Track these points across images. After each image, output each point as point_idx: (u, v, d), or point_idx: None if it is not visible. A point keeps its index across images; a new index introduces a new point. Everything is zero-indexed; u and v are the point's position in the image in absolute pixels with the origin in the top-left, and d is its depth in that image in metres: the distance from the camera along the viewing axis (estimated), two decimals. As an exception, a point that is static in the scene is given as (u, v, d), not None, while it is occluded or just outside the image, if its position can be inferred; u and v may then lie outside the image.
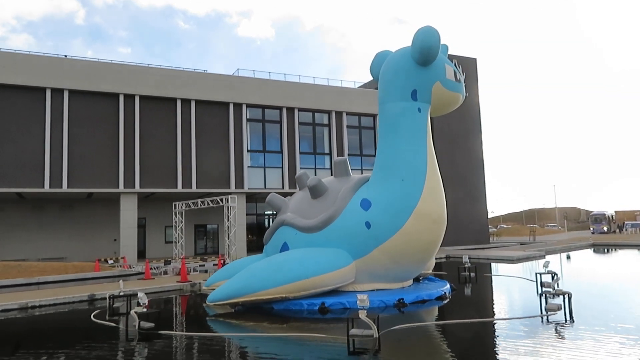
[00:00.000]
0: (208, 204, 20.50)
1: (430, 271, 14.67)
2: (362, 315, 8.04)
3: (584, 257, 26.23)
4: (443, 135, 36.41)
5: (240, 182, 30.35)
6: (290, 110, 32.57)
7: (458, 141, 36.88)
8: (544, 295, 10.94)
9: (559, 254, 27.66)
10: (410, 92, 12.18)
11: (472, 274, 17.06)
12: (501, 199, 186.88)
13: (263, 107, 32.01)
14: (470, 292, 14.49)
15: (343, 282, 11.62)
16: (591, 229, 55.08)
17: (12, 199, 29.56)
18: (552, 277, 13.61)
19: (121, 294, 12.77)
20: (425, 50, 11.78)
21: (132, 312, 9.80)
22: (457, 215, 35.34)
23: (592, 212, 63.37)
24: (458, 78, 12.64)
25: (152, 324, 9.64)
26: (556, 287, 10.56)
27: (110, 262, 23.52)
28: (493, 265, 22.38)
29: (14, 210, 30.22)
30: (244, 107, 31.18)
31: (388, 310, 10.98)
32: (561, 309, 9.92)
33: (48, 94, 26.48)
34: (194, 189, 28.94)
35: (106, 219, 31.52)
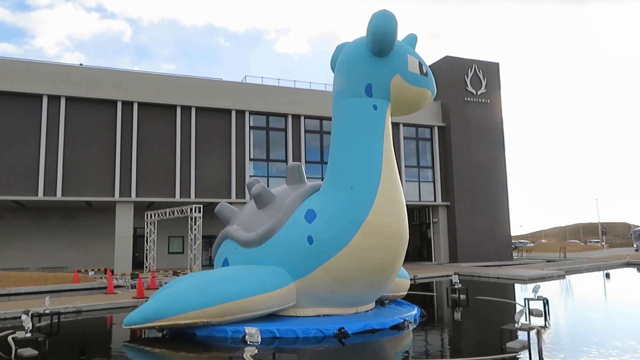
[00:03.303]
0: (176, 213, 19.30)
1: (401, 293, 12.78)
2: (247, 355, 6.44)
3: (611, 278, 23.44)
4: (460, 144, 34.20)
5: (241, 192, 29.10)
6: (296, 117, 31.22)
7: (477, 151, 34.51)
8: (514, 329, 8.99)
9: (583, 274, 24.99)
10: (364, 87, 10.53)
11: (463, 296, 15.04)
12: (543, 212, 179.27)
13: (267, 115, 30.80)
14: (441, 320, 12.58)
15: (279, 306, 10.00)
16: (634, 245, 51.00)
17: (14, 207, 29.36)
18: (544, 304, 11.64)
19: (46, 311, 11.62)
20: (379, 37, 10.13)
21: (9, 338, 8.51)
22: (475, 230, 33.05)
23: (637, 227, 58.98)
24: (424, 71, 10.89)
25: (36, 352, 8.34)
26: (524, 320, 8.57)
27: (91, 273, 22.60)
28: (497, 285, 20.13)
29: (16, 219, 30.01)
30: (247, 114, 30.06)
31: (326, 341, 9.30)
32: (526, 348, 7.97)
33: (45, 101, 26.11)
34: (192, 198, 27.90)
35: (107, 229, 30.87)
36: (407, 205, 35.76)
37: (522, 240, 78.70)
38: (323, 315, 10.42)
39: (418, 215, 37.40)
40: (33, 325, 11.26)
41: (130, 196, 27.06)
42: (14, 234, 29.93)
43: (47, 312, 11.55)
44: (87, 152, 26.61)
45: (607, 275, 23.37)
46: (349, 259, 9.92)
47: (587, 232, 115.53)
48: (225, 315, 9.50)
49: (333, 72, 12.06)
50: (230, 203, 26.71)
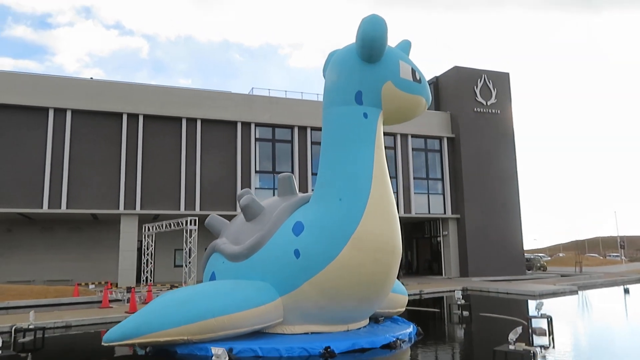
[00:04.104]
0: (173, 226, 19.01)
1: (398, 310, 12.22)
2: (214, 375, 6.02)
3: (630, 294, 22.47)
4: (470, 155, 33.54)
5: (246, 205, 28.72)
6: (303, 129, 30.91)
7: (488, 162, 33.79)
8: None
9: (598, 289, 24.07)
10: (354, 94, 10.14)
11: (466, 313, 14.42)
12: (560, 225, 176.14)
13: (273, 126, 30.54)
14: (438, 338, 12.00)
15: (264, 323, 9.55)
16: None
17: (21, 220, 29.42)
18: (548, 322, 11.03)
19: (31, 326, 11.32)
20: (368, 43, 9.77)
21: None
22: (486, 244, 32.27)
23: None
24: (418, 77, 10.47)
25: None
26: (516, 343, 7.95)
27: (92, 286, 22.37)
28: (505, 301, 19.39)
29: (23, 231, 30.04)
30: (252, 126, 29.85)
31: (312, 360, 8.83)
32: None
33: (51, 113, 26.20)
34: (197, 211, 27.65)
35: (113, 241, 30.70)
36: (416, 218, 34.87)
37: (540, 254, 77.11)
38: (311, 333, 9.95)
39: (428, 228, 36.68)
40: (16, 340, 11.06)
41: (134, 208, 26.93)
42: (21, 246, 29.94)
43: (31, 327, 11.26)
44: (92, 165, 26.58)
45: (627, 291, 22.39)
46: (337, 273, 9.47)
47: (606, 246, 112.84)
48: (207, 332, 9.08)
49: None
50: (235, 216, 26.56)
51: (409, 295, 21.89)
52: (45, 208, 25.44)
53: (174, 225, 19.19)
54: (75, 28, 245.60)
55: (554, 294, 20.63)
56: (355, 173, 9.85)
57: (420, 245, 38.24)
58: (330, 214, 9.69)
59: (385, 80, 10.13)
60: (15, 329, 11.12)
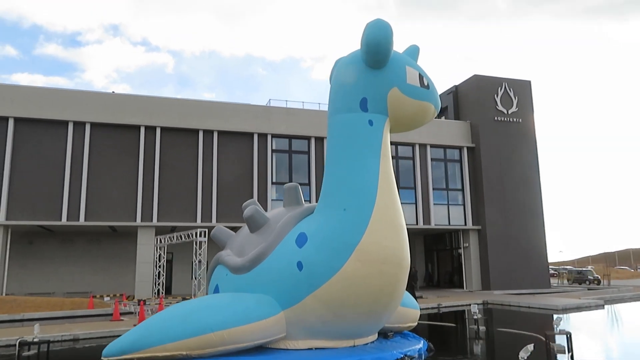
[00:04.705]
0: (184, 238, 18.89)
1: (409, 324, 11.73)
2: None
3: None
4: (491, 165, 32.81)
5: (263, 216, 28.56)
6: (320, 140, 30.68)
7: (509, 172, 32.99)
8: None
9: (627, 303, 23.04)
10: (359, 101, 9.83)
11: (482, 328, 13.85)
12: (589, 237, 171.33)
13: (290, 137, 30.43)
14: (450, 355, 11.48)
15: (266, 338, 9.22)
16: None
17: (42, 233, 29.81)
18: (567, 338, 10.44)
19: (35, 340, 11.24)
20: (372, 48, 9.47)
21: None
22: (509, 256, 31.44)
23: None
24: (425, 83, 10.12)
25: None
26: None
27: (107, 298, 22.39)
28: (526, 315, 18.64)
29: (43, 244, 30.45)
30: (269, 137, 29.78)
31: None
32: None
33: (70, 127, 26.58)
34: (213, 222, 27.59)
35: (131, 254, 30.86)
36: (436, 229, 34.23)
37: (566, 267, 75.03)
38: (315, 349, 9.56)
39: (449, 240, 35.92)
40: (20, 354, 10.97)
41: (151, 221, 27.02)
42: (42, 258, 30.34)
43: (35, 340, 11.17)
44: (109, 177, 26.83)
45: None
46: (341, 286, 9.10)
47: (638, 258, 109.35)
48: (206, 347, 8.78)
49: (332, 87, 11.44)
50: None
51: (426, 309, 21.42)
52: (64, 220, 25.71)
53: (184, 237, 19.05)
54: (104, 45, 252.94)
55: (578, 308, 19.78)
56: (360, 182, 9.51)
57: (441, 258, 37.45)
58: (334, 225, 9.35)
59: (391, 87, 9.80)
60: (19, 342, 11.03)
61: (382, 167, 9.72)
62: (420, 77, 10.09)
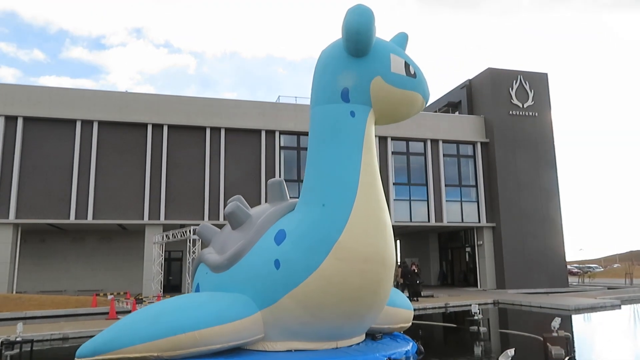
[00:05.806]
0: (180, 235, 18.66)
1: (401, 325, 11.20)
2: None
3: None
4: (506, 161, 31.88)
5: (271, 214, 28.28)
6: (328, 136, 30.15)
7: (525, 168, 32.01)
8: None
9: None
10: (340, 92, 9.34)
11: (483, 329, 13.24)
12: (612, 235, 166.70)
13: (298, 134, 30.04)
14: (440, 357, 10.91)
15: (241, 339, 8.83)
16: None
17: (53, 231, 30.07)
18: (566, 341, 9.82)
19: (18, 339, 11.08)
20: (353, 35, 8.97)
21: None
22: (524, 254, 30.52)
23: None
24: (412, 72, 9.57)
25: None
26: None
27: (110, 297, 22.35)
28: (536, 316, 17.87)
29: (55, 242, 30.72)
30: (277, 134, 29.47)
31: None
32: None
33: (78, 125, 26.69)
34: (221, 221, 27.40)
35: (141, 252, 30.91)
36: (449, 227, 33.40)
37: (591, 265, 73.12)
38: (295, 351, 9.15)
39: (463, 238, 35.10)
40: (2, 353, 10.82)
41: (159, 218, 26.97)
42: (54, 256, 30.63)
43: (18, 339, 11.01)
44: (117, 175, 26.86)
45: None
46: (318, 285, 8.65)
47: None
48: (177, 349, 8.45)
49: (317, 78, 10.96)
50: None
51: (433, 308, 20.81)
52: (72, 219, 25.82)
53: (178, 235, 18.85)
54: (127, 48, 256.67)
55: (592, 309, 18.91)
56: (340, 176, 9.03)
57: (455, 256, 36.64)
58: (312, 221, 8.91)
59: (374, 76, 9.28)
60: (2, 342, 10.89)
61: (364, 160, 9.22)
62: (407, 65, 9.55)
